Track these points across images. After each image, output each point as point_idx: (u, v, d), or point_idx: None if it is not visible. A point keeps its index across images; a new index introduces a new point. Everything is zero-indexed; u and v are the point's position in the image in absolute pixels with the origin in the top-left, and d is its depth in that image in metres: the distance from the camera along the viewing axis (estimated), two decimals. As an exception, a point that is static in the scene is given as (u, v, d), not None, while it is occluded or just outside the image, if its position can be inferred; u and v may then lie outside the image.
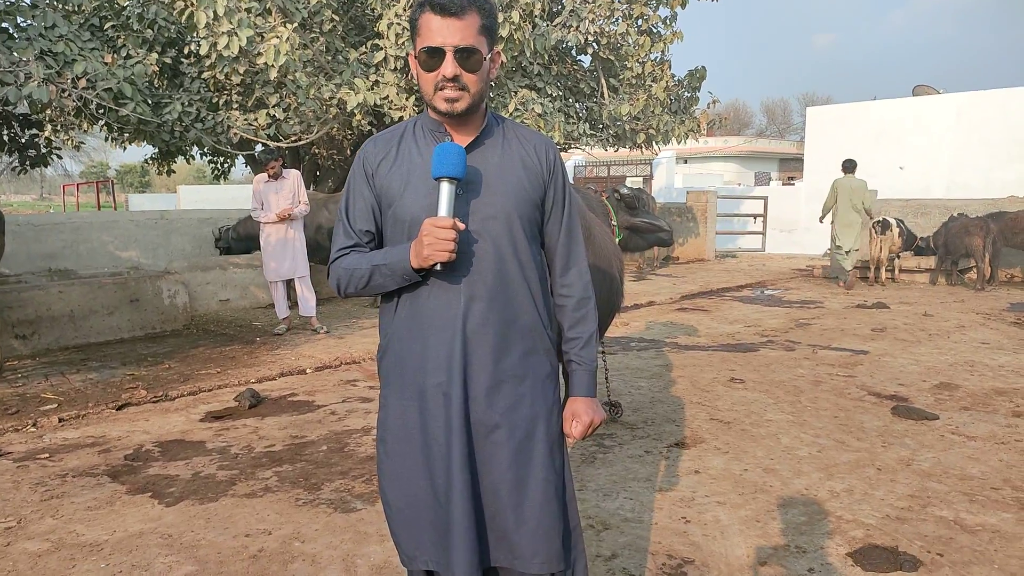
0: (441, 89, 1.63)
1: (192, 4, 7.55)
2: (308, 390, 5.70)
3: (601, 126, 12.27)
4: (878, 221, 11.44)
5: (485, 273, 1.68)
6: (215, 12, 7.40)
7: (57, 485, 3.82)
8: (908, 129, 17.14)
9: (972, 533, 3.18)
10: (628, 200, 5.08)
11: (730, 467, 3.96)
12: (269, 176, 7.44)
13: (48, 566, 2.97)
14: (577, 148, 13.74)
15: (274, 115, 9.12)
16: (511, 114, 9.45)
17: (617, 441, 4.39)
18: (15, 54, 8.16)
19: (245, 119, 9.54)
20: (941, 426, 4.62)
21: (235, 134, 9.56)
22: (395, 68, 9.17)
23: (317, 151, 12.09)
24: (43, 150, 10.74)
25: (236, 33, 7.52)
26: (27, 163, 10.71)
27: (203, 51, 7.77)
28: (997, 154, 15.90)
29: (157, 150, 12.78)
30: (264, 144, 9.24)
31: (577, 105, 12.41)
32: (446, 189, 1.59)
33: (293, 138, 9.63)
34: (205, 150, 13.06)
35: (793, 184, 24.01)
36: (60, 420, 5.02)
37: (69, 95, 8.59)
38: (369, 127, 10.12)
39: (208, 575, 2.89)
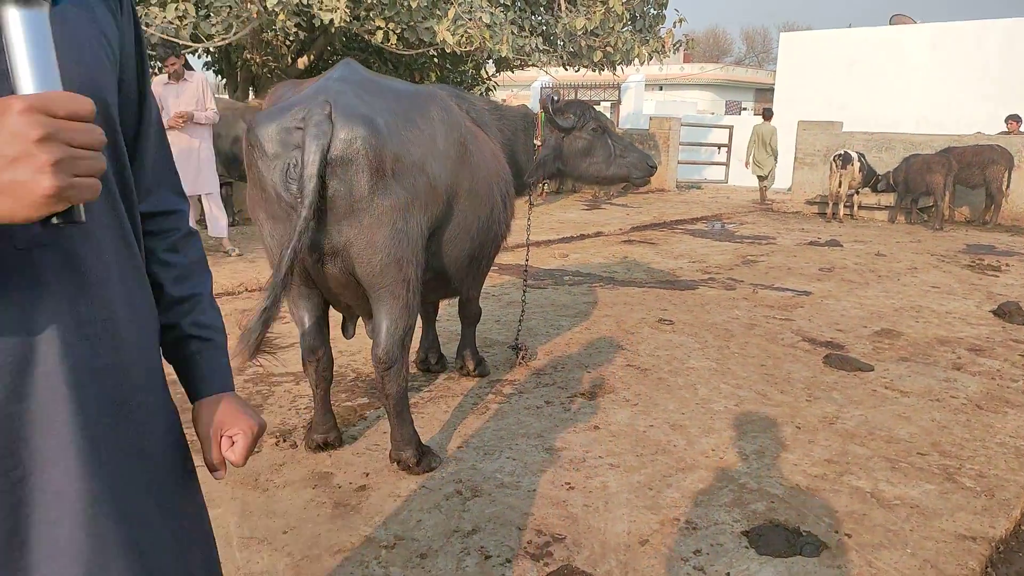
0: None
1: None
2: (194, 320, 5.14)
3: (560, 42, 11.45)
4: (839, 154, 10.96)
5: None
6: None
7: None
8: (881, 59, 16.51)
9: (889, 508, 2.80)
10: (560, 112, 4.17)
11: (635, 422, 3.54)
12: (169, 77, 6.65)
13: None
14: (533, 66, 12.93)
15: (184, 11, 8.20)
16: (451, 20, 8.64)
17: (518, 388, 3.94)
18: None
19: (164, 16, 8.58)
20: (875, 378, 4.24)
21: (151, 34, 8.63)
22: (326, -35, 8.26)
23: (250, 57, 11.13)
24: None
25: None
26: None
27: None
28: (968, 89, 15.40)
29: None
30: (185, 45, 8.36)
31: (533, 18, 11.55)
32: (22, 22, 0.71)
33: (218, 40, 8.74)
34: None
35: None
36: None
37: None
38: (296, 29, 9.24)
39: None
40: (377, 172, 2.54)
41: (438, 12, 9.08)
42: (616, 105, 20.36)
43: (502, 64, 13.37)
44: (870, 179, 11.14)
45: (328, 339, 3.00)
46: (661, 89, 34.20)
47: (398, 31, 9.37)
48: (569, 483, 2.94)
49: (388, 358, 2.73)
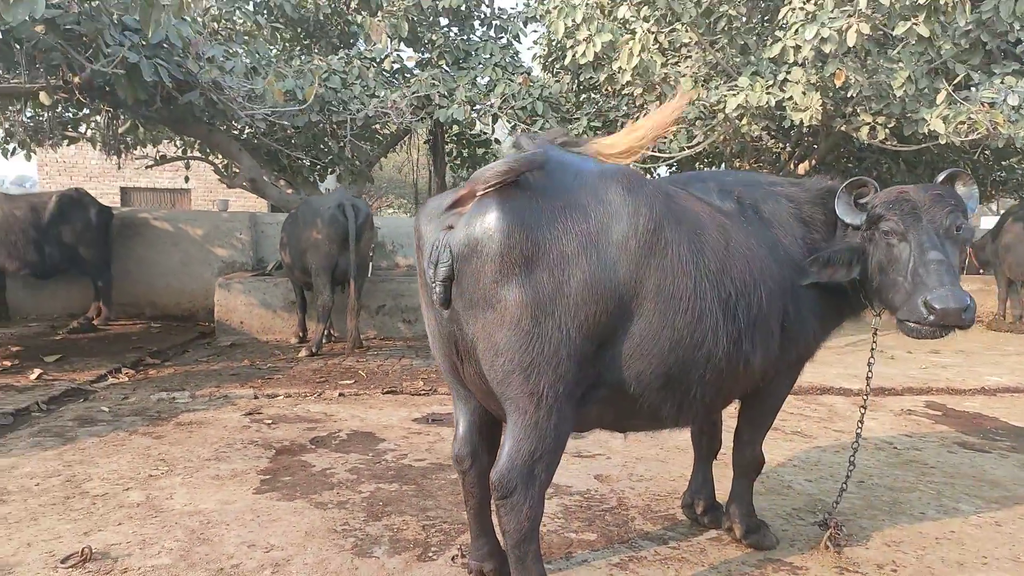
0: None
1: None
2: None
3: None
4: None
5: None
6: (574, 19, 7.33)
7: (235, 449, 4.22)
8: None
9: None
10: (857, 202, 2.74)
11: None
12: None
13: (107, 514, 3.25)
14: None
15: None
16: (943, 106, 7.12)
17: (796, 580, 2.79)
18: (455, 81, 9.56)
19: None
20: None
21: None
22: (800, 61, 7.73)
23: (739, 166, 11.09)
24: (365, 166, 12.15)
25: (592, 39, 7.31)
26: (350, 176, 12.22)
27: (567, 61, 7.82)
28: None
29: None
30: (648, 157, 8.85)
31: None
32: None
33: (678, 153, 9.00)
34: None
35: None
36: (340, 395, 5.60)
37: (484, 114, 9.70)
38: (762, 132, 8.81)
39: (178, 566, 2.77)
40: (505, 261, 2.18)
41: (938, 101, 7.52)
42: None
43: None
44: None
45: (484, 450, 2.63)
46: None
47: (889, 124, 8.17)
48: None
49: (503, 484, 2.24)
